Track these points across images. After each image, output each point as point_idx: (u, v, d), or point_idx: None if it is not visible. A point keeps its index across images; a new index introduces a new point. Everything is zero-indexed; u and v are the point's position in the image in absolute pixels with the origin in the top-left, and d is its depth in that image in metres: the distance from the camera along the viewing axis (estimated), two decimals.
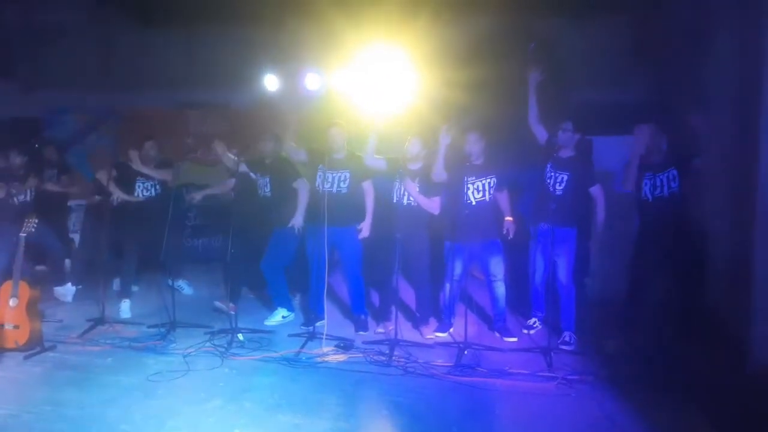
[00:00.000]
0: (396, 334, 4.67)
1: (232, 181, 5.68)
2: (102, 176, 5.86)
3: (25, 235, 4.72)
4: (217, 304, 5.71)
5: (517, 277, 5.53)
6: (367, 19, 7.46)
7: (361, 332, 5.10)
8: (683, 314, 4.62)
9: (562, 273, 4.82)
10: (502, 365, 4.33)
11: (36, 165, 6.26)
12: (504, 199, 5.01)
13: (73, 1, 9.97)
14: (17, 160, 5.95)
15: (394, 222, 4.84)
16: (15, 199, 5.80)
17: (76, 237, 7.15)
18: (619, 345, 4.63)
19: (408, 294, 5.39)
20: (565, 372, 4.16)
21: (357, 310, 5.22)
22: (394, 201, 4.97)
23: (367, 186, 5.11)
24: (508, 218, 5.02)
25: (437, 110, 6.54)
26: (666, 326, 4.63)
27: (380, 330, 5.13)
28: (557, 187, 4.77)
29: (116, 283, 6.10)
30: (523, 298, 5.40)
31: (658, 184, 4.64)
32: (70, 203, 7.43)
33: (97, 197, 6.31)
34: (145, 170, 5.72)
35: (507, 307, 5.11)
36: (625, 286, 4.90)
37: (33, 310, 4.60)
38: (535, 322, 5.13)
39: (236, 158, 5.33)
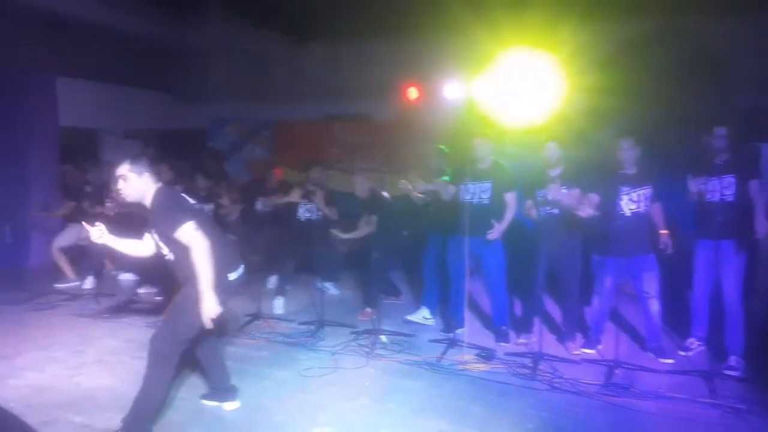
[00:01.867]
0: (540, 347, 4.56)
1: (373, 224, 6.02)
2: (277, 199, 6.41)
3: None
4: (359, 316, 5.90)
5: (673, 293, 5.16)
6: (508, 26, 7.40)
7: (502, 343, 5.03)
8: None
9: (730, 290, 4.41)
10: (656, 387, 4.07)
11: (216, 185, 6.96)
12: (657, 211, 4.71)
13: (231, 22, 10.91)
14: (202, 182, 6.65)
15: (539, 232, 4.77)
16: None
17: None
18: None
19: (551, 306, 5.25)
20: (731, 400, 3.82)
21: (499, 321, 5.16)
22: (538, 212, 4.87)
23: (510, 198, 5.03)
24: (664, 231, 4.71)
25: (583, 116, 6.34)
26: None
27: (522, 341, 5.04)
28: (724, 194, 4.40)
29: (271, 281, 6.55)
30: (679, 316, 5.03)
31: None
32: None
33: (243, 204, 6.88)
34: (325, 209, 6.10)
35: (662, 325, 4.79)
36: None
37: None
38: (693, 343, 4.76)
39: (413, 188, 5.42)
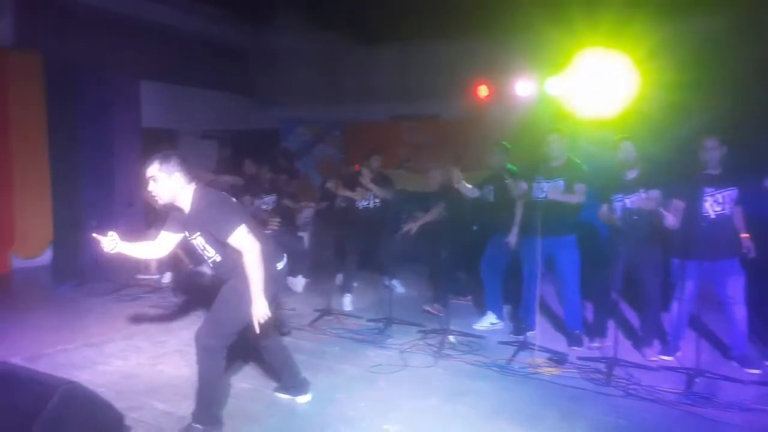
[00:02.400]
0: (614, 352, 4.42)
1: (440, 209, 5.94)
2: (331, 185, 6.42)
3: (269, 233, 5.37)
4: (426, 308, 5.92)
5: (758, 299, 4.89)
6: (583, 22, 7.21)
7: (575, 347, 4.91)
8: None
9: None
10: (741, 398, 3.86)
11: (277, 179, 7.10)
12: (739, 214, 4.47)
13: (304, 27, 11.15)
14: (267, 175, 6.85)
15: (616, 233, 4.63)
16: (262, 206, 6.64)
17: (304, 236, 7.93)
18: None
19: (627, 310, 5.08)
20: None
21: (572, 324, 5.04)
22: (617, 214, 4.72)
23: (580, 188, 4.88)
24: (745, 235, 4.45)
25: (663, 113, 6.10)
26: None
27: (595, 345, 4.90)
28: None
29: (339, 278, 6.66)
30: (766, 323, 4.77)
31: None
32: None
33: (323, 203, 7.01)
34: (371, 186, 6.11)
35: (747, 334, 4.54)
36: None
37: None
38: None
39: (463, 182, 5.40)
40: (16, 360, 3.68)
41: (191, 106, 10.25)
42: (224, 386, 3.66)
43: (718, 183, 4.37)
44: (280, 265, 3.48)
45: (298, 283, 6.69)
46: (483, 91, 7.95)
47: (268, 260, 3.32)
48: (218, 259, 3.33)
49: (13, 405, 2.82)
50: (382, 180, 6.25)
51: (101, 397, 3.13)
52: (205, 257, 3.37)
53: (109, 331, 5.17)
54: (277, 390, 3.91)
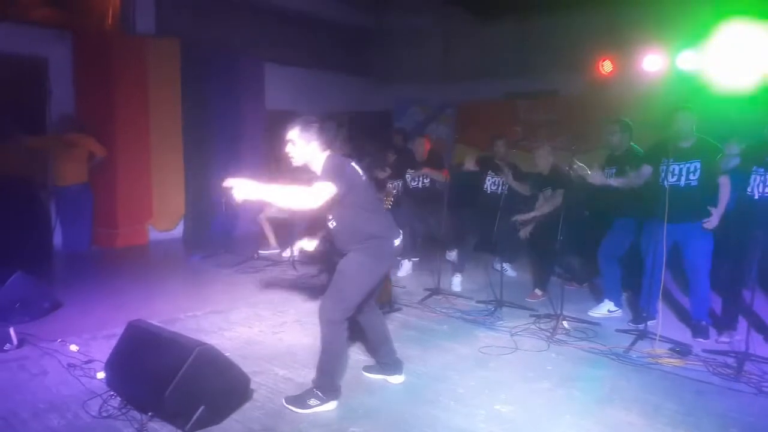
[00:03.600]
0: (746, 346, 4.10)
1: (559, 198, 5.64)
2: (470, 165, 6.46)
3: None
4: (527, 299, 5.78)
5: None
6: None
7: (700, 339, 4.62)
8: None
9: None
10: None
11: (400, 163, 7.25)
12: None
13: (417, 5, 11.12)
14: (391, 158, 7.08)
15: (753, 219, 4.27)
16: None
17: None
18: None
19: (760, 303, 4.68)
20: None
21: (698, 314, 4.73)
22: (754, 195, 4.35)
23: (724, 180, 4.54)
24: None
25: None
26: None
27: (724, 339, 4.57)
28: None
29: (451, 256, 6.67)
30: None
31: None
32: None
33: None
34: (513, 182, 6.09)
35: None
36: None
37: (387, 275, 5.29)
38: None
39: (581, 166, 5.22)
40: (156, 322, 4.06)
41: (311, 87, 10.60)
42: (345, 358, 3.79)
43: None
44: (396, 242, 3.55)
45: (404, 267, 6.75)
46: (607, 66, 7.57)
47: (386, 233, 3.46)
48: (335, 224, 3.46)
49: (160, 361, 3.15)
50: (520, 176, 6.22)
51: (230, 359, 3.40)
52: (327, 220, 3.50)
53: (234, 299, 5.56)
54: (368, 370, 3.89)
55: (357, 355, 4.21)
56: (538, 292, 5.77)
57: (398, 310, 5.30)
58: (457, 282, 6.13)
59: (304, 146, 3.37)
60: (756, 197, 4.34)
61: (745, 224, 4.40)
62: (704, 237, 4.60)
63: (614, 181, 5.00)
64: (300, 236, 4.18)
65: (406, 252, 6.78)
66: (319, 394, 3.42)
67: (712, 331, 4.70)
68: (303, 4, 10.24)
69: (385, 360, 3.84)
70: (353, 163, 3.54)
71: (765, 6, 5.50)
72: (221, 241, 7.96)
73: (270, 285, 6.12)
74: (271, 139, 8.11)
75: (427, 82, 10.81)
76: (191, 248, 7.95)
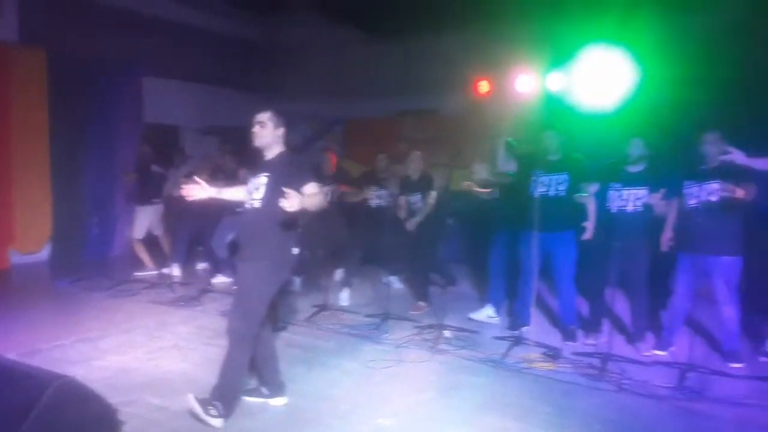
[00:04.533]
0: (608, 347, 4.43)
1: (431, 200, 5.88)
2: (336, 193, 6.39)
3: None
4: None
5: (757, 295, 4.89)
6: (585, 17, 7.18)
7: (569, 342, 4.92)
8: None
9: None
10: (732, 393, 3.88)
11: None
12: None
13: (309, 22, 11.13)
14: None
15: (611, 230, 4.64)
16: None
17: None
18: None
19: (621, 306, 5.08)
20: None
21: (566, 319, 5.05)
22: (612, 209, 4.74)
23: (592, 189, 4.90)
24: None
25: (664, 109, 6.07)
26: None
27: (590, 342, 4.90)
28: None
29: (338, 274, 6.66)
30: (764, 317, 4.77)
31: None
32: None
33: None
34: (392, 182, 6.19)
35: (743, 327, 4.55)
36: None
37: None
38: None
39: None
40: (12, 355, 3.70)
41: (196, 101, 10.25)
42: (245, 378, 3.65)
43: (711, 176, 4.35)
44: (295, 251, 3.59)
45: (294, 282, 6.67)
46: (483, 86, 7.94)
47: (287, 245, 3.51)
48: (259, 205, 3.47)
49: (8, 399, 2.85)
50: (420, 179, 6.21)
51: (95, 391, 3.16)
52: (252, 198, 3.51)
53: (105, 326, 5.19)
54: (248, 393, 3.74)
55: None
56: (421, 303, 5.89)
57: (283, 329, 5.20)
58: (345, 297, 6.13)
59: (272, 130, 3.50)
60: (614, 211, 4.73)
61: (605, 235, 4.76)
62: (570, 245, 4.93)
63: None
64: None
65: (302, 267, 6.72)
66: (220, 406, 3.38)
67: (580, 334, 5.03)
68: (187, 17, 9.92)
69: (268, 380, 3.74)
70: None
71: (623, 32, 6.03)
72: (93, 264, 7.44)
73: (145, 309, 5.80)
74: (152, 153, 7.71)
75: (316, 98, 10.81)
76: (59, 272, 7.34)
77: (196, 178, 3.78)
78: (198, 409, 3.37)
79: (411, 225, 5.91)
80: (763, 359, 4.50)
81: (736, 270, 4.37)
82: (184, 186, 3.76)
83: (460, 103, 8.99)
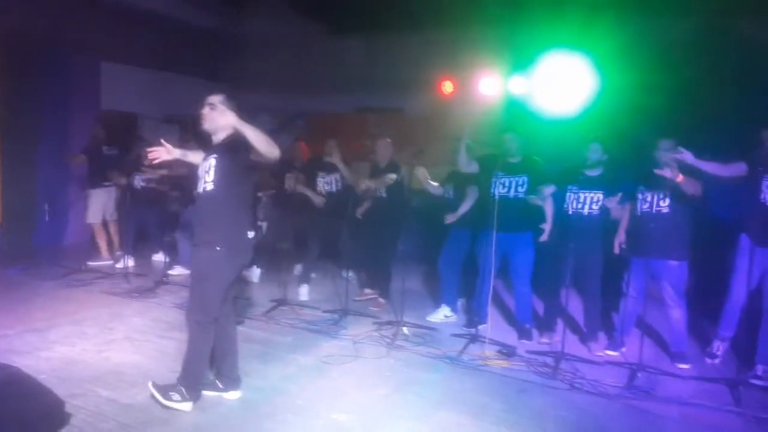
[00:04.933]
0: (562, 346, 4.52)
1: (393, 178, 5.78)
2: (290, 183, 6.26)
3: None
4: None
5: (708, 295, 5.07)
6: (549, 21, 7.30)
7: (525, 341, 5.01)
8: None
9: None
10: (680, 393, 4.01)
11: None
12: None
13: (275, 12, 11.00)
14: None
15: (567, 232, 4.74)
16: None
17: (262, 225, 7.84)
18: None
19: (576, 306, 5.20)
20: (756, 410, 3.73)
21: (522, 318, 5.13)
22: (568, 210, 4.84)
23: (548, 191, 4.98)
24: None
25: (622, 114, 6.22)
26: None
27: (545, 341, 5.00)
28: None
29: (297, 269, 6.62)
30: (709, 321, 4.95)
31: None
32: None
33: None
34: (341, 165, 5.96)
35: (690, 329, 4.70)
36: None
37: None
38: (718, 347, 4.65)
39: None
40: None
41: (156, 89, 10.01)
42: (208, 362, 3.63)
43: (658, 183, 4.47)
44: (250, 234, 3.59)
45: (253, 273, 6.62)
46: (447, 87, 7.99)
47: (242, 227, 3.50)
48: (211, 188, 3.42)
49: None
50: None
51: (39, 383, 3.06)
52: (204, 180, 3.47)
53: (55, 316, 5.04)
54: (204, 387, 3.66)
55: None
56: (380, 300, 5.89)
57: (240, 323, 5.12)
58: (304, 292, 6.09)
59: (222, 113, 3.42)
60: (570, 213, 4.83)
61: (561, 236, 4.85)
62: (528, 246, 5.02)
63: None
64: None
65: (260, 258, 6.64)
66: (183, 391, 3.42)
67: (536, 333, 5.12)
68: (149, 2, 9.65)
69: (225, 373, 3.70)
70: None
71: (582, 39, 6.15)
72: (45, 252, 7.21)
73: (98, 299, 5.65)
74: (109, 140, 7.50)
75: (279, 91, 10.69)
76: (9, 260, 7.07)
77: (162, 142, 3.71)
78: (158, 395, 3.39)
79: (359, 212, 5.93)
80: (709, 361, 4.65)
81: (683, 274, 4.51)
82: (148, 154, 3.74)
83: (425, 103, 9.03)
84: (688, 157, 4.09)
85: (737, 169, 4.30)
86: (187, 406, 3.43)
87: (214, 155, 3.46)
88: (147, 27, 9.67)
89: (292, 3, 11.13)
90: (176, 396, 3.41)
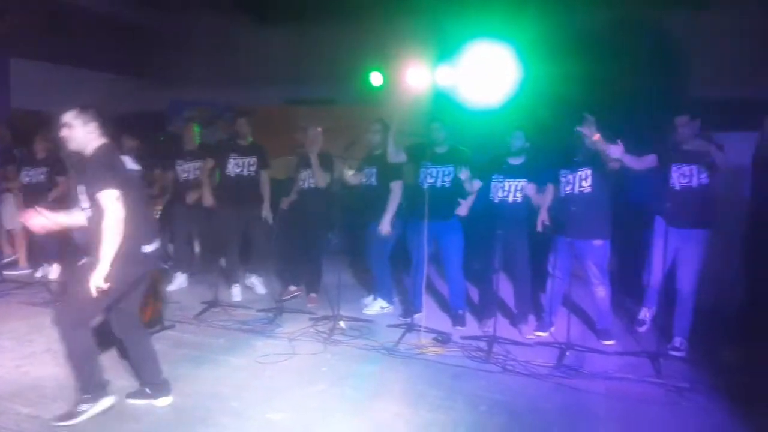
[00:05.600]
0: (494, 330, 4.63)
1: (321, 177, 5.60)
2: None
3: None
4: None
5: (629, 273, 5.32)
6: (474, 12, 7.41)
7: (458, 327, 5.10)
8: None
9: (686, 277, 4.53)
10: (606, 368, 4.19)
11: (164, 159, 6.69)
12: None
13: (194, 5, 10.66)
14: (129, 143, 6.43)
15: (494, 219, 4.86)
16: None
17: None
18: (735, 354, 4.39)
19: (507, 291, 5.33)
20: (675, 380, 3.96)
21: (456, 304, 5.22)
22: (494, 199, 4.95)
23: (476, 185, 5.07)
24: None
25: (545, 104, 6.41)
26: None
27: (487, 328, 5.04)
28: (682, 181, 4.50)
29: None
30: (633, 297, 5.19)
31: None
32: None
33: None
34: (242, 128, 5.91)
35: (614, 306, 4.93)
36: (743, 291, 4.59)
37: (155, 291, 4.90)
38: (645, 314, 4.88)
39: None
40: None
41: (72, 86, 9.49)
42: (97, 357, 3.45)
43: (583, 164, 4.64)
44: (147, 249, 3.38)
45: (177, 280, 6.34)
46: (376, 78, 8.00)
47: (134, 240, 3.26)
48: (90, 214, 3.28)
49: None
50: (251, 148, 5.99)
51: None
52: (83, 207, 3.33)
53: None
54: (131, 396, 3.59)
55: (118, 380, 3.83)
56: (313, 295, 5.84)
57: (171, 327, 4.98)
58: (236, 292, 5.95)
59: (81, 128, 3.27)
60: (496, 201, 4.96)
61: (489, 224, 4.96)
62: (457, 233, 5.12)
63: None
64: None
65: (181, 263, 6.41)
66: (87, 397, 3.31)
67: (471, 319, 5.21)
68: None
69: (149, 380, 3.58)
70: (123, 157, 3.44)
71: (507, 29, 6.27)
72: None
73: (16, 311, 5.34)
74: (20, 140, 7.09)
75: (205, 84, 10.40)
76: None
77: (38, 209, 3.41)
78: (69, 422, 3.27)
79: (285, 204, 5.73)
80: (638, 328, 4.91)
81: (606, 253, 4.71)
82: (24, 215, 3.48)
83: (355, 95, 9.00)
84: (614, 150, 4.28)
85: (650, 161, 4.57)
86: (105, 403, 3.36)
87: (82, 178, 3.29)
88: (61, 21, 9.18)
89: None
90: (84, 406, 3.30)
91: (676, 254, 4.57)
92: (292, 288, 5.95)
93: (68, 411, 3.30)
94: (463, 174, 4.94)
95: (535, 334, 4.89)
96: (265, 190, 6.01)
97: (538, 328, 4.95)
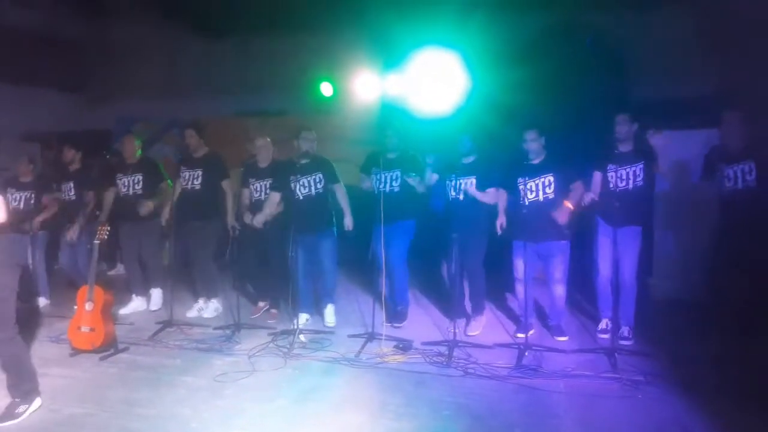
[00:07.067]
0: (454, 335, 4.66)
1: (277, 196, 5.45)
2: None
3: (98, 242, 4.94)
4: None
5: (584, 276, 5.43)
6: (420, 21, 7.47)
7: (395, 324, 5.16)
8: (760, 315, 4.42)
9: (626, 271, 4.71)
10: (564, 366, 4.27)
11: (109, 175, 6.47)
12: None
13: (140, 18, 10.42)
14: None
15: (450, 220, 4.92)
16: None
17: None
18: (690, 346, 4.53)
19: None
20: (630, 373, 4.06)
21: (398, 299, 5.32)
22: (449, 198, 5.03)
23: (420, 189, 5.16)
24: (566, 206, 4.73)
25: (491, 109, 6.51)
26: (740, 327, 4.46)
27: (474, 332, 5.06)
28: (620, 183, 4.65)
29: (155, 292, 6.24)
30: (590, 298, 5.31)
31: (732, 176, 4.52)
32: None
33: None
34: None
35: (571, 308, 5.04)
36: (696, 285, 4.75)
37: (107, 313, 4.80)
38: (607, 324, 4.99)
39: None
40: None
41: (7, 105, 9.14)
42: (30, 362, 3.74)
43: (536, 171, 4.76)
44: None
45: (133, 303, 6.15)
46: (327, 88, 7.98)
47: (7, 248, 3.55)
48: None
49: None
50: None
51: None
52: None
53: None
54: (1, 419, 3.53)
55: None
56: (272, 310, 5.76)
57: (125, 350, 4.83)
58: (195, 309, 5.85)
59: None
60: (450, 200, 5.04)
61: (444, 224, 5.03)
62: (403, 233, 5.22)
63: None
64: None
65: (135, 285, 6.19)
66: (21, 400, 3.58)
67: (463, 327, 5.15)
68: None
69: (20, 386, 3.64)
70: None
71: (456, 36, 6.36)
72: None
73: None
74: None
75: (152, 98, 10.17)
76: None
77: None
78: (10, 422, 3.48)
79: (258, 221, 5.39)
80: (601, 336, 4.93)
81: (568, 253, 4.82)
82: None
83: (307, 105, 8.96)
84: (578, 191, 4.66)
85: (595, 180, 4.86)
86: (36, 403, 3.65)
87: None
88: None
89: (159, 8, 10.61)
90: (22, 407, 3.56)
91: (616, 250, 4.68)
92: (261, 304, 5.84)
93: (5, 414, 3.50)
94: (411, 180, 5.03)
95: (516, 336, 4.94)
96: (228, 201, 5.83)
97: (518, 330, 5.02)
